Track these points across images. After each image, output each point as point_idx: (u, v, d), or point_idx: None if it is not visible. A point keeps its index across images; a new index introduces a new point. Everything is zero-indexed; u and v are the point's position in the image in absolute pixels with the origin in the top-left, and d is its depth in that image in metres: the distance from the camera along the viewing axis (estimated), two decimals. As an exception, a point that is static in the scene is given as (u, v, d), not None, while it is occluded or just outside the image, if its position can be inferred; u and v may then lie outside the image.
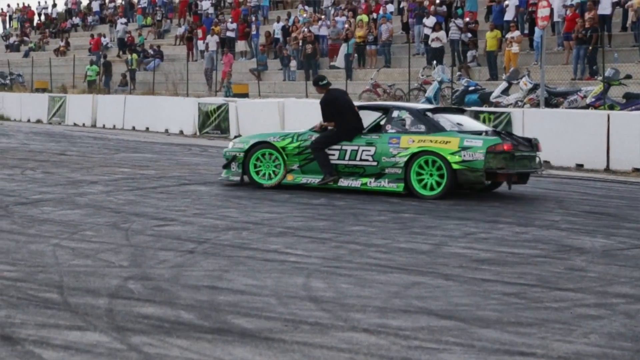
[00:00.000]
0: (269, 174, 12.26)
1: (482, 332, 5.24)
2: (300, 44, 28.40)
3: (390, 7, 28.91)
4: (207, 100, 24.87)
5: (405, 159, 11.37)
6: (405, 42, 27.28)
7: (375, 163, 11.64)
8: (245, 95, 26.19)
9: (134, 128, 26.17)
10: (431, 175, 11.30)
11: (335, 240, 8.33)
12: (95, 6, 46.48)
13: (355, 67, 27.17)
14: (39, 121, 31.28)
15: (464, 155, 11.07)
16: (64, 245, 7.86)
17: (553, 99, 18.54)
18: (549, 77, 19.55)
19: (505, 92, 19.78)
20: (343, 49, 27.26)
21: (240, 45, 32.86)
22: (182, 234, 8.48)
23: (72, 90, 33.52)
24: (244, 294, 6.13)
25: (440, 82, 21.16)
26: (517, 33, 22.93)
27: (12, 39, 48.04)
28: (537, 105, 18.17)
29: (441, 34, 24.47)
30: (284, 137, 12.33)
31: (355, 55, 27.34)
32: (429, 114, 11.88)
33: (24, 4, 51.88)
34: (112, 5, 46.13)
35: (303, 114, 20.96)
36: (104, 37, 40.75)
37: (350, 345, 4.96)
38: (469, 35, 24.44)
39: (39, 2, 50.77)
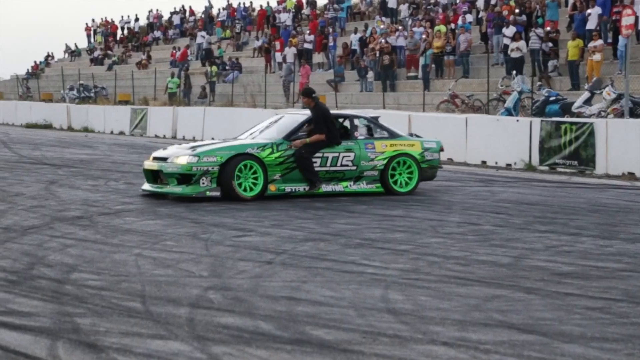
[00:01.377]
0: (250, 187, 12.02)
1: (565, 347, 5.12)
2: (378, 55, 28.39)
3: (469, 17, 28.67)
4: (285, 111, 25.00)
5: (385, 162, 12.90)
6: (483, 52, 27.00)
7: (354, 167, 12.76)
8: (322, 107, 26.23)
9: (213, 139, 26.49)
10: (401, 174, 13.03)
11: (413, 252, 8.28)
12: (176, 20, 47.39)
13: (432, 78, 27.02)
14: (121, 133, 31.99)
15: (427, 156, 13.28)
16: (145, 255, 8.00)
17: (638, 109, 18.09)
18: (634, 86, 19.09)
19: (587, 102, 19.38)
20: (421, 60, 27.15)
21: (318, 57, 33.03)
22: (261, 245, 8.54)
23: (153, 103, 34.18)
24: (322, 305, 6.13)
25: (520, 93, 20.86)
26: (599, 42, 22.46)
27: (96, 53, 49.31)
28: (621, 115, 17.75)
29: (521, 43, 24.14)
30: (262, 148, 12.17)
31: (433, 65, 27.18)
32: (378, 122, 13.56)
33: (106, 18, 53.24)
34: (192, 18, 46.95)
35: (380, 125, 20.91)
36: (194, 47, 41.40)
37: (429, 358, 4.91)
38: (550, 44, 24.05)
39: (122, 17, 52.05)
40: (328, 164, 12.58)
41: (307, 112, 12.90)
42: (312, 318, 5.77)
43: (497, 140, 17.93)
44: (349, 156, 12.70)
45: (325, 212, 10.99)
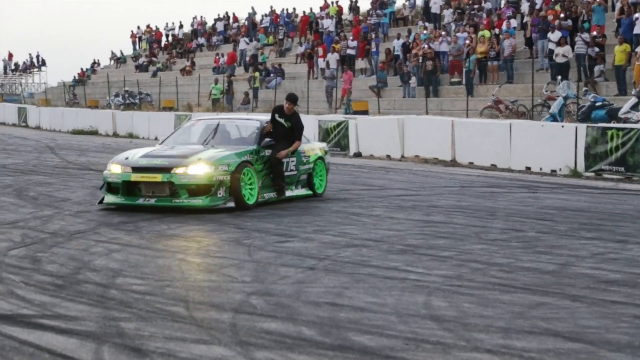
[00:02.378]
0: (249, 195, 11.75)
1: (612, 356, 5.05)
2: (421, 60, 28.30)
3: (514, 22, 28.45)
4: (327, 117, 25.08)
5: (312, 165, 13.32)
6: (528, 57, 26.78)
7: (296, 172, 12.97)
8: (365, 113, 26.27)
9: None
10: (315, 176, 13.42)
11: (456, 258, 8.22)
12: (220, 26, 47.72)
13: (476, 83, 26.86)
14: (165, 139, 32.27)
15: (327, 158, 13.92)
16: (189, 260, 8.06)
17: (685, 114, 17.79)
18: (681, 91, 18.78)
19: (634, 107, 19.09)
20: (465, 65, 27.03)
21: (360, 63, 33.03)
22: (303, 251, 8.55)
23: (197, 109, 34.44)
24: (364, 312, 6.12)
25: (565, 98, 20.64)
26: (647, 46, 22.14)
27: (141, 60, 49.84)
28: (669, 120, 17.47)
29: (566, 48, 23.90)
30: (250, 154, 11.98)
31: (477, 71, 27.03)
32: None
33: (151, 25, 53.79)
34: (235, 25, 47.26)
35: (423, 131, 20.87)
36: (227, 56, 41.71)
37: (473, 366, 4.88)
38: (596, 49, 23.77)
39: (166, 24, 52.56)
40: (287, 169, 12.70)
41: (235, 116, 12.94)
42: (354, 324, 5.76)
43: (542, 146, 17.75)
44: (293, 161, 12.86)
45: (367, 218, 10.97)
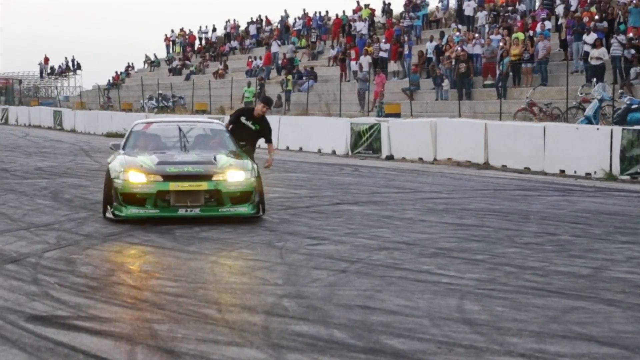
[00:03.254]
0: None
1: (647, 362, 4.99)
2: (453, 63, 28.18)
3: (548, 24, 28.23)
4: (359, 120, 25.06)
5: None
6: (562, 60, 26.54)
7: None
8: (397, 115, 26.20)
9: (287, 148, 26.71)
10: None
11: (489, 262, 8.17)
12: (253, 29, 47.89)
13: (510, 86, 26.68)
14: (198, 141, 32.43)
15: None
16: (221, 262, 8.10)
17: None
18: None
19: (670, 109, 18.87)
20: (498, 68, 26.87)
21: (393, 65, 32.96)
22: (335, 253, 8.55)
23: (229, 112, 34.53)
24: (396, 315, 6.10)
25: (601, 101, 20.43)
26: (684, 48, 21.86)
27: (174, 63, 50.15)
28: None
29: (602, 50, 23.65)
30: None
31: (510, 73, 26.85)
32: None
33: (185, 29, 54.11)
34: (268, 28, 47.40)
35: (455, 134, 20.77)
36: (260, 59, 41.85)
37: (506, 370, 4.85)
38: (632, 51, 23.49)
39: (200, 27, 52.83)
40: None
41: (180, 118, 12.22)
42: (386, 327, 5.75)
43: (576, 149, 17.58)
44: None
45: (400, 221, 10.94)
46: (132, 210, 10.38)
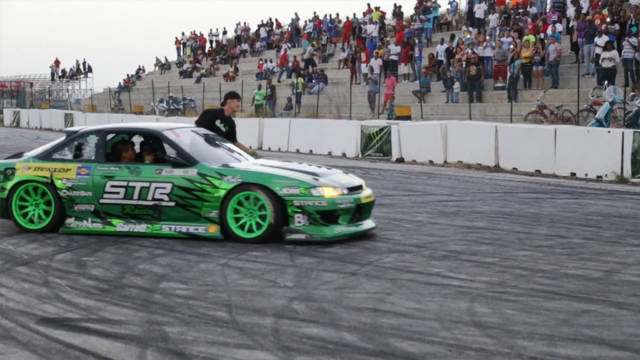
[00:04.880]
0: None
1: (658, 366, 4.97)
2: (464, 65, 28.15)
3: (559, 27, 28.16)
4: (369, 122, 25.05)
5: None
6: (574, 62, 26.47)
7: None
8: (407, 118, 26.19)
9: (298, 151, 26.71)
10: None
11: (500, 264, 8.16)
12: (263, 32, 47.96)
13: (520, 89, 26.63)
14: (209, 144, 32.51)
15: None
16: (232, 265, 8.11)
17: None
18: None
19: (681, 112, 18.81)
20: (508, 70, 26.83)
21: (403, 68, 32.94)
22: (345, 256, 8.55)
23: (240, 114, 34.62)
24: (406, 317, 6.10)
25: (612, 103, 20.37)
26: (696, 50, 21.76)
27: (185, 66, 50.27)
28: None
29: (613, 53, 23.57)
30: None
31: (521, 76, 26.80)
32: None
33: (195, 32, 54.23)
34: (278, 31, 47.45)
35: (466, 136, 20.74)
36: (271, 62, 41.92)
37: (517, 373, 4.84)
38: (643, 53, 23.42)
39: (210, 30, 52.95)
40: None
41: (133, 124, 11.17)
42: (396, 330, 5.75)
43: (587, 151, 17.52)
44: None
45: (410, 224, 10.93)
46: (338, 230, 9.40)
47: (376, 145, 23.41)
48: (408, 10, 39.79)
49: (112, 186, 9.75)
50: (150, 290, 7.00)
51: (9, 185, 10.09)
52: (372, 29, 37.62)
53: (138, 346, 5.38)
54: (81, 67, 60.81)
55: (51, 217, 9.95)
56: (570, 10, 28.93)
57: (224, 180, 9.38)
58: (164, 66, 54.17)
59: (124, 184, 9.71)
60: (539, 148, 18.54)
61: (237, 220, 9.35)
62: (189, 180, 9.49)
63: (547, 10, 30.91)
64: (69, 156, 10.14)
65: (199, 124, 11.07)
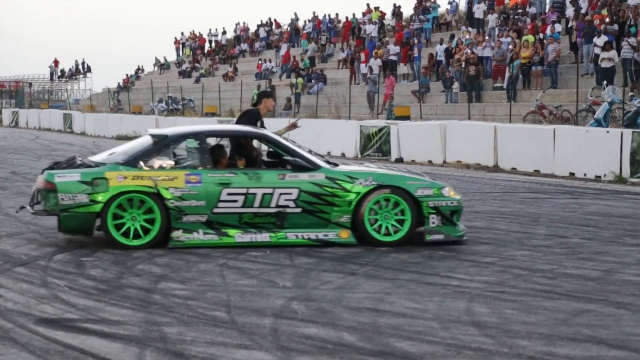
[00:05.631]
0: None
1: (657, 365, 4.98)
2: (463, 65, 28.15)
3: (558, 27, 28.17)
4: (368, 122, 25.06)
5: None
6: (573, 62, 26.48)
7: None
8: (407, 118, 26.19)
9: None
10: None
11: (498, 264, 8.16)
12: (262, 32, 47.96)
13: (519, 89, 26.64)
14: (208, 144, 32.50)
15: None
16: (231, 265, 8.11)
17: None
18: None
19: (680, 112, 18.80)
20: (507, 70, 26.84)
21: (403, 68, 32.95)
22: (344, 256, 8.55)
23: (238, 114, 34.60)
24: (405, 317, 6.10)
25: (611, 103, 20.37)
26: (694, 50, 21.76)
27: (184, 66, 50.27)
28: None
29: (612, 53, 23.57)
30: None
31: (520, 76, 26.81)
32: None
33: (195, 32, 54.21)
34: (278, 31, 47.45)
35: (465, 136, 20.74)
36: (270, 62, 41.92)
37: (515, 373, 4.84)
38: (643, 54, 23.42)
39: (209, 30, 52.95)
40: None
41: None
42: (395, 330, 5.75)
43: (586, 151, 17.53)
44: None
45: (409, 223, 10.91)
46: (460, 228, 9.53)
47: (375, 145, 23.41)
48: (407, 11, 39.78)
49: (229, 194, 9.01)
50: (149, 290, 7.00)
51: (103, 197, 8.85)
52: (371, 29, 37.63)
53: (137, 346, 5.38)
54: (80, 67, 60.81)
55: (157, 230, 8.90)
56: (570, 11, 28.94)
57: (356, 184, 9.16)
58: (163, 66, 54.16)
59: (243, 191, 9.02)
60: (538, 148, 18.54)
61: (371, 223, 9.16)
62: (318, 185, 9.13)
63: (546, 11, 30.93)
64: (169, 162, 9.20)
65: (245, 123, 10.60)
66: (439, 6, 37.20)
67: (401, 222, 9.19)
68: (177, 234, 8.97)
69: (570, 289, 7.03)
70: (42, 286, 7.15)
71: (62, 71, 62.49)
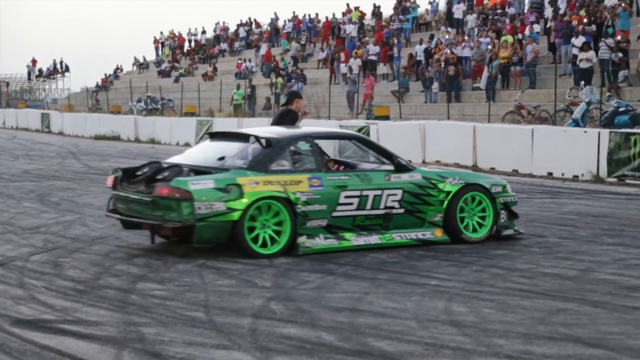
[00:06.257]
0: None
1: (632, 364, 5.01)
2: (443, 65, 28.24)
3: (537, 27, 28.32)
4: (348, 122, 25.08)
5: None
6: (551, 63, 26.63)
7: None
8: (386, 118, 26.24)
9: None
10: None
11: (477, 264, 8.20)
12: (242, 32, 47.87)
13: (498, 89, 26.76)
14: (187, 144, 32.37)
15: None
16: (209, 265, 8.08)
17: None
18: None
19: (657, 112, 18.95)
20: (486, 71, 26.94)
21: (382, 68, 32.99)
22: (323, 256, 8.55)
23: (218, 114, 34.52)
24: (384, 317, 6.11)
25: (589, 103, 20.51)
26: (671, 51, 21.94)
27: (163, 65, 50.07)
28: (693, 125, 17.31)
29: (590, 54, 23.73)
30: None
31: (499, 76, 26.92)
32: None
33: (174, 31, 54.04)
34: (258, 30, 47.38)
35: (444, 136, 20.82)
36: (250, 61, 41.87)
37: (493, 372, 4.86)
38: (620, 54, 23.59)
39: (189, 29, 52.76)
40: None
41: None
42: (374, 329, 5.76)
43: (564, 151, 17.64)
44: None
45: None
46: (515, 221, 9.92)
47: (355, 145, 23.41)
48: (387, 11, 39.84)
49: (346, 197, 8.86)
50: (127, 291, 6.97)
51: (239, 205, 8.32)
52: (351, 29, 37.66)
53: (114, 347, 5.36)
54: (58, 66, 60.42)
55: (287, 237, 8.52)
56: (548, 11, 29.11)
57: (447, 183, 9.36)
58: (142, 65, 53.92)
59: (357, 193, 8.91)
60: (517, 148, 18.64)
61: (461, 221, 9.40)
62: (417, 185, 9.22)
63: (525, 11, 31.08)
64: (288, 166, 8.80)
65: (282, 124, 10.31)
66: (418, 6, 37.31)
67: (483, 218, 9.52)
68: (302, 240, 8.64)
69: (547, 288, 7.08)
70: (18, 287, 7.09)
71: (40, 70, 62.06)
